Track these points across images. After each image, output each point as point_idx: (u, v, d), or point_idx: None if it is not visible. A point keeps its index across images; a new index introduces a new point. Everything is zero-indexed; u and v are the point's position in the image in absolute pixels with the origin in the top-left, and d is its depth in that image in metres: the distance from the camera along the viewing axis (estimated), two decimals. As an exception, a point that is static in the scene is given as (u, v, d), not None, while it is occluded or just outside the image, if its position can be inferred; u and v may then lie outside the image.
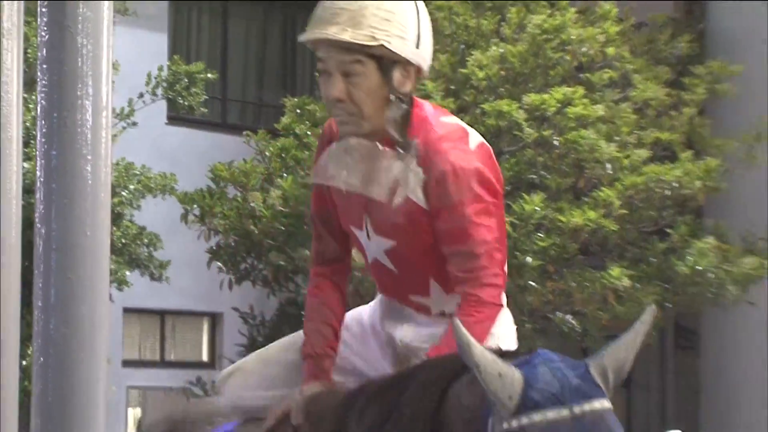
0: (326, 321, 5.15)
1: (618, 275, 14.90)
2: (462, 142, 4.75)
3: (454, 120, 4.82)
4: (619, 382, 3.90)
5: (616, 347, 3.91)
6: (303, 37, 4.62)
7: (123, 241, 15.97)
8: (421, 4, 4.76)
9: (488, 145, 4.88)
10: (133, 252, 16.10)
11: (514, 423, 3.80)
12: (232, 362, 18.53)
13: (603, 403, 3.84)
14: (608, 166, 15.14)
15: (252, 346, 17.23)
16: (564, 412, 3.79)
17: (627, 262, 15.37)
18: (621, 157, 15.21)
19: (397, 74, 4.59)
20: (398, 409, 4.29)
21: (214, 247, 16.17)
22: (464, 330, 3.82)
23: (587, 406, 3.81)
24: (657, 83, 15.87)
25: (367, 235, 4.79)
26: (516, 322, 13.06)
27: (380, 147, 4.75)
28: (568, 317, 15.45)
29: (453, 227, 4.59)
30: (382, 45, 4.52)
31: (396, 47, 4.62)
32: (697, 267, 15.23)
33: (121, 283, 15.69)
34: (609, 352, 3.90)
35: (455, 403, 4.11)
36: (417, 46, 4.74)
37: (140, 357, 21.02)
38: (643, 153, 15.54)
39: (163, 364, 21.17)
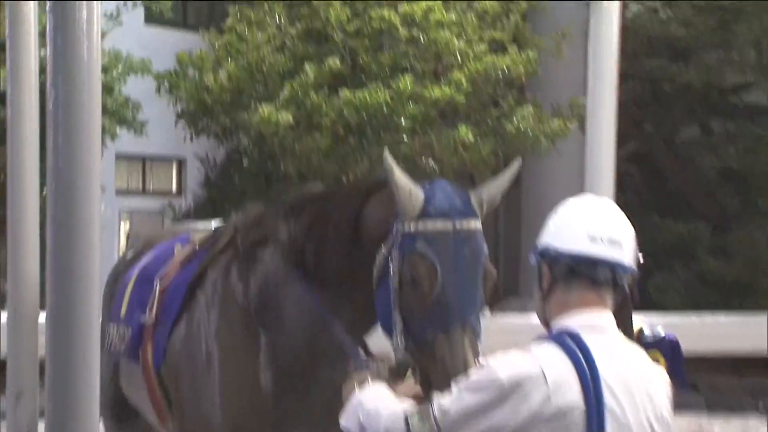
0: None
1: (465, 133, 15.23)
2: None
3: None
4: (489, 211, 3.93)
5: (491, 185, 3.99)
6: None
7: (114, 106, 16.22)
8: None
9: None
10: (121, 114, 16.51)
11: (413, 227, 3.79)
12: (194, 192, 18.93)
13: (477, 224, 3.87)
14: (458, 56, 15.45)
15: (207, 181, 17.81)
16: (448, 225, 3.78)
17: (471, 124, 15.65)
18: (467, 50, 15.54)
19: None
20: (328, 214, 4.23)
21: (180, 111, 16.82)
22: (390, 158, 3.85)
23: (465, 224, 3.81)
24: (493, -3, 16.35)
25: None
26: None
27: None
28: (431, 162, 15.67)
29: None
30: None
31: None
32: (520, 127, 15.52)
33: (113, 135, 16.17)
34: (486, 188, 3.98)
35: (372, 211, 4.07)
36: None
37: (128, 188, 21.11)
38: (483, 47, 15.80)
39: (145, 193, 21.36)
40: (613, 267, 3.33)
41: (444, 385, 3.46)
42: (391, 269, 3.82)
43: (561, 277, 3.36)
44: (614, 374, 3.23)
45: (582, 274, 3.33)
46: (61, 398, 2.50)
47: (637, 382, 3.29)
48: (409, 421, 3.31)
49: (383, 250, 3.88)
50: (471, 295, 3.76)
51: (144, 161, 21.52)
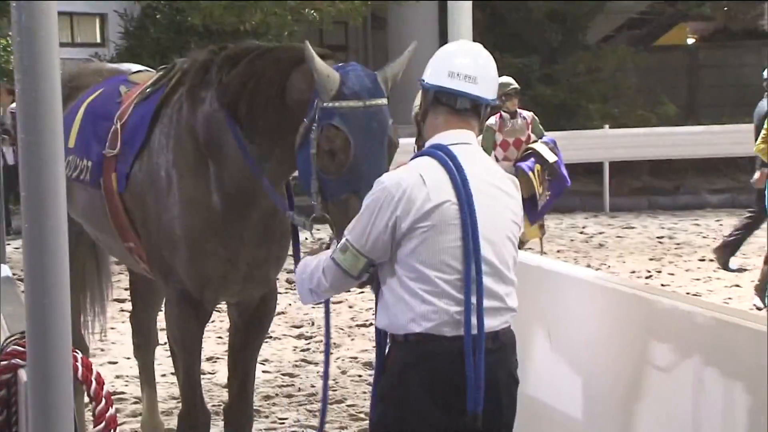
0: None
1: None
2: None
3: None
4: (392, 86, 3.92)
5: (393, 65, 3.97)
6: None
7: None
8: None
9: None
10: None
11: (330, 105, 3.79)
12: (115, 44, 18.38)
13: (383, 101, 3.87)
14: None
15: (126, 33, 17.43)
16: (360, 103, 3.78)
17: None
18: None
19: None
20: (259, 72, 4.17)
21: None
22: (310, 47, 3.81)
23: (374, 101, 3.82)
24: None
25: None
26: (282, 15, 14.13)
27: None
28: (312, 12, 15.68)
29: None
30: None
31: None
32: None
33: None
34: (389, 67, 3.97)
35: (296, 81, 4.05)
36: None
37: (59, 40, 20.03)
38: None
39: (73, 45, 20.56)
40: (470, 98, 3.46)
41: None
42: (311, 139, 3.82)
43: (430, 105, 3.52)
44: (477, 175, 3.41)
45: (444, 103, 3.48)
46: (35, 217, 2.42)
47: (494, 182, 3.49)
48: (335, 258, 3.43)
49: (305, 121, 3.88)
50: (379, 163, 3.76)
51: (72, 17, 20.85)
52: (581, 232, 14.66)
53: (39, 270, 2.42)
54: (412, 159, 3.47)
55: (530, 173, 10.33)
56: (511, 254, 3.46)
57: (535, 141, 10.69)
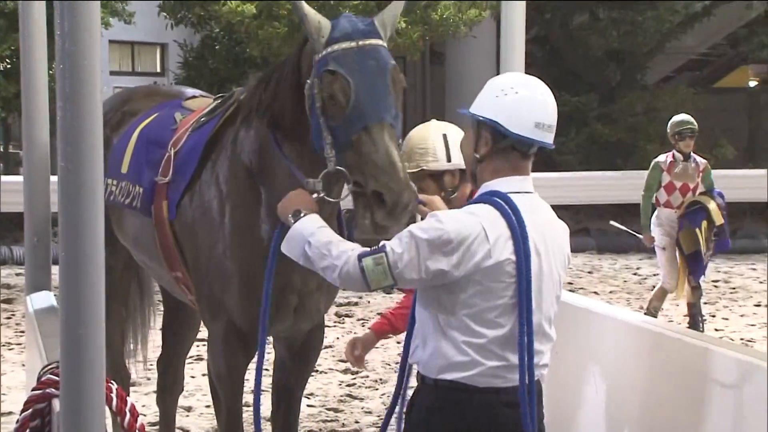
0: None
1: (398, 21, 14.87)
2: None
3: None
4: (392, 32, 3.82)
5: (390, 7, 3.88)
6: None
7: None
8: None
9: None
10: (113, 6, 15.90)
11: (324, 52, 3.69)
12: (174, 73, 18.59)
13: (380, 42, 3.72)
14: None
15: (185, 62, 17.64)
16: (352, 44, 3.66)
17: (403, 13, 15.05)
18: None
19: None
20: (281, 70, 4.07)
21: (162, 3, 16.63)
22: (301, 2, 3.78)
23: (368, 42, 3.68)
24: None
25: None
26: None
27: None
28: None
29: None
30: None
31: None
32: (443, 15, 15.18)
33: (106, 24, 15.49)
34: (386, 10, 3.87)
35: (304, 61, 3.87)
36: None
37: (120, 69, 21.11)
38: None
39: (134, 73, 21.13)
40: (543, 146, 3.37)
41: (374, 177, 3.46)
42: (314, 94, 3.69)
43: (502, 150, 3.34)
44: (536, 229, 3.29)
45: (519, 150, 3.34)
46: (72, 245, 2.40)
47: (551, 235, 3.38)
48: (364, 263, 3.24)
49: (308, 82, 3.76)
50: (383, 97, 3.61)
51: (133, 46, 21.26)
52: (635, 273, 14.49)
53: (74, 299, 2.39)
54: (469, 203, 3.36)
55: (697, 231, 9.71)
56: (554, 310, 3.41)
57: (703, 192, 9.88)
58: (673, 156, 9.95)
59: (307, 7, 3.73)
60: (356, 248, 3.32)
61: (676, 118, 10.18)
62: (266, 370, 7.95)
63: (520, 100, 3.33)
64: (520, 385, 3.22)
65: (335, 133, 3.64)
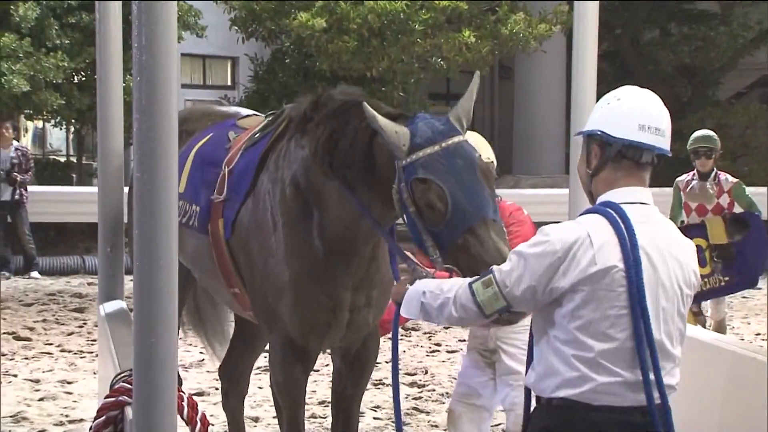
0: None
1: (468, 35, 15.18)
2: None
3: None
4: (468, 123, 3.85)
5: (462, 102, 3.89)
6: None
7: (179, 14, 15.64)
8: None
9: None
10: (185, 20, 16.10)
11: (408, 160, 3.72)
12: (244, 87, 18.70)
13: (460, 138, 3.78)
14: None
15: (256, 76, 17.74)
16: (435, 147, 3.71)
17: (473, 28, 15.49)
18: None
19: None
20: (342, 132, 4.08)
21: (233, 18, 16.57)
22: (368, 108, 3.80)
23: (450, 141, 3.73)
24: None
25: None
26: (409, 63, 14.29)
27: None
28: (439, 60, 15.73)
29: None
30: None
31: None
32: (513, 30, 15.33)
33: (179, 38, 14.47)
34: (458, 106, 3.88)
35: (377, 146, 3.94)
36: None
37: (191, 82, 21.08)
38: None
39: (205, 86, 21.33)
40: (655, 152, 3.28)
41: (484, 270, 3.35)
42: (404, 200, 3.71)
43: (611, 159, 3.27)
44: (649, 240, 3.19)
45: (629, 157, 3.26)
46: (146, 255, 2.43)
47: (669, 248, 3.25)
48: (473, 287, 3.24)
49: (394, 187, 3.78)
50: (479, 194, 3.63)
51: (204, 60, 21.43)
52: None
53: (148, 308, 2.43)
54: (581, 215, 3.28)
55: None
56: (678, 327, 3.24)
57: (736, 213, 8.89)
58: (692, 175, 9.30)
59: (381, 119, 3.75)
60: (467, 280, 3.32)
61: (695, 134, 9.57)
62: (316, 381, 8.08)
63: (622, 105, 3.29)
64: (648, 404, 3.11)
65: (438, 237, 3.65)
